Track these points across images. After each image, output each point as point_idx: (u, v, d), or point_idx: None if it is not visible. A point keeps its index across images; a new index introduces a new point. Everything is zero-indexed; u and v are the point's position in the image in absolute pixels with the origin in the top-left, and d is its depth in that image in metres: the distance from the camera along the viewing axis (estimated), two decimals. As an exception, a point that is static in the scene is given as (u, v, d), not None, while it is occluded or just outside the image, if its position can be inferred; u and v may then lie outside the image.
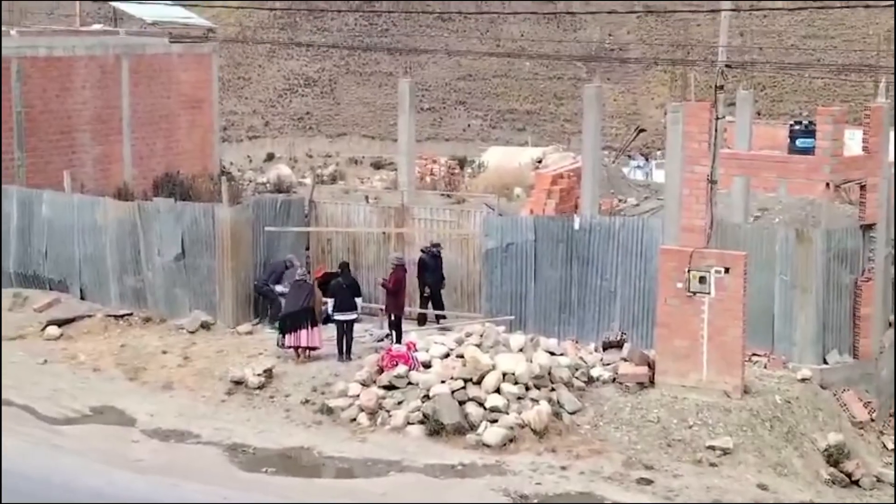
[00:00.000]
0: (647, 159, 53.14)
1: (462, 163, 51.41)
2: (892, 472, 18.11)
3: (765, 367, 20.19)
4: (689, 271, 18.62)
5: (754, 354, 20.44)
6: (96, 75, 34.49)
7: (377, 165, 63.62)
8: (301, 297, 21.27)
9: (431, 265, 23.43)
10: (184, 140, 37.79)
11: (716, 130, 19.27)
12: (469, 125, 74.62)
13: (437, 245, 23.60)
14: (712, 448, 17.14)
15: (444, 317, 23.43)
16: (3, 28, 34.72)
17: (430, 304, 23.70)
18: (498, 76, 76.90)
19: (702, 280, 18.55)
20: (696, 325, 18.63)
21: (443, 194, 38.52)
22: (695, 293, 18.62)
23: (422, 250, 23.68)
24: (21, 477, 15.86)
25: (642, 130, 55.20)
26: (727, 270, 18.45)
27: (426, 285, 23.49)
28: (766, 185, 31.62)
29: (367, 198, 34.72)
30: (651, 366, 19.24)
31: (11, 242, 25.49)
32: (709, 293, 18.53)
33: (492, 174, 45.25)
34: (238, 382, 19.95)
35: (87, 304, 24.41)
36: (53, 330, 22.91)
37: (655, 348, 19.42)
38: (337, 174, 53.68)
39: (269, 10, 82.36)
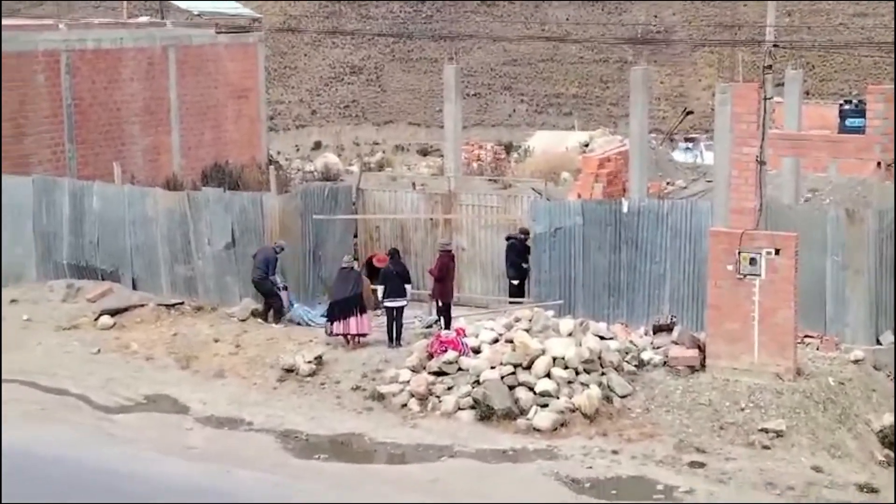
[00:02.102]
0: (694, 142, 52.76)
1: (508, 148, 51.31)
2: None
3: (817, 349, 20.00)
4: (739, 253, 18.49)
5: (806, 336, 20.25)
6: (144, 67, 34.78)
7: (424, 152, 63.65)
8: (349, 285, 21.33)
9: (520, 251, 23.32)
10: (231, 130, 38.04)
11: (764, 111, 19.08)
12: (515, 110, 74.38)
13: (526, 231, 23.41)
14: (765, 430, 17.03)
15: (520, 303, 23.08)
16: (49, 22, 35.00)
17: (522, 290, 23.41)
18: (543, 60, 76.57)
19: (752, 262, 18.41)
20: (747, 308, 18.49)
21: (489, 180, 38.37)
22: (745, 275, 18.48)
23: (507, 237, 23.57)
24: (76, 465, 16.07)
25: (690, 112, 54.80)
26: (778, 252, 18.29)
27: (514, 269, 23.32)
28: (816, 165, 31.29)
29: (413, 184, 34.67)
30: (702, 349, 19.13)
31: (64, 234, 25.75)
32: (759, 275, 18.38)
33: (538, 159, 45.09)
34: (289, 370, 20.06)
35: (139, 293, 24.61)
36: (106, 319, 23.14)
37: (706, 331, 19.31)
38: (384, 161, 53.76)
39: (314, 0, 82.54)
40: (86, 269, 25.54)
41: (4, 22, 31.64)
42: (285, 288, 23.04)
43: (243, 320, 22.74)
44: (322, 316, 22.28)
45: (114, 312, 23.42)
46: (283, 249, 23.05)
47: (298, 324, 22.71)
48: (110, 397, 19.42)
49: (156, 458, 16.51)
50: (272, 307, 22.87)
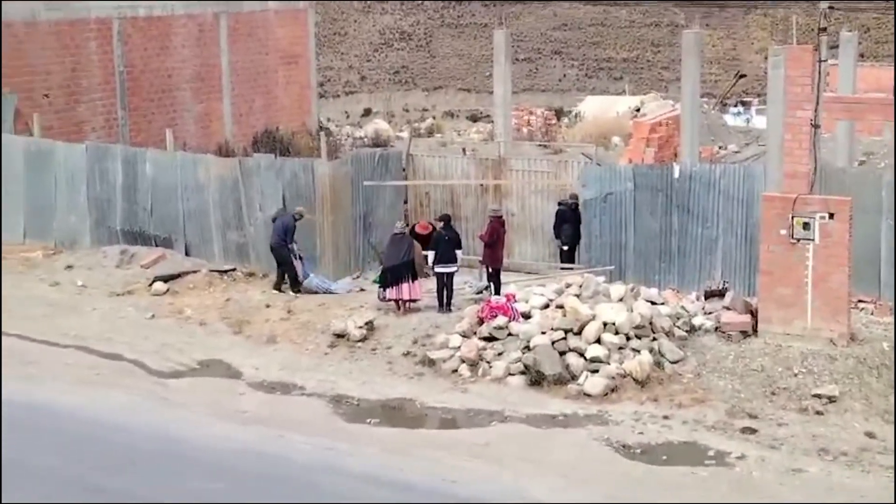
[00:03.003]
0: (747, 106, 52.27)
1: (559, 113, 51.14)
2: None
3: (871, 314, 19.83)
4: (792, 218, 18.32)
5: (860, 301, 20.08)
6: (195, 34, 34.95)
7: (473, 118, 63.57)
8: (401, 251, 21.38)
9: (570, 218, 23.27)
10: (282, 96, 38.18)
11: (819, 74, 18.87)
12: (565, 75, 74.04)
13: (574, 196, 23.32)
14: (818, 396, 16.91)
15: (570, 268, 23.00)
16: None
17: (573, 256, 23.36)
18: (594, 25, 76.09)
19: (806, 226, 18.24)
20: (800, 273, 18.34)
21: (540, 145, 38.36)
22: (798, 240, 18.32)
23: (559, 203, 23.52)
24: (131, 430, 16.25)
25: (742, 76, 54.30)
26: (832, 216, 18.11)
27: (563, 238, 23.32)
28: (870, 128, 30.95)
29: (464, 150, 34.71)
30: (754, 314, 19.01)
31: (117, 200, 25.99)
32: (813, 239, 18.22)
33: (589, 124, 44.92)
34: (340, 335, 20.16)
35: (191, 259, 24.81)
36: (160, 285, 23.36)
37: (758, 296, 19.18)
38: (433, 127, 53.75)
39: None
40: (139, 235, 25.78)
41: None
42: (300, 258, 22.96)
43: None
44: (333, 286, 22.39)
45: (167, 278, 23.64)
46: (301, 217, 22.96)
47: (315, 293, 22.66)
48: (164, 362, 19.62)
49: (209, 423, 16.67)
50: (286, 275, 22.82)
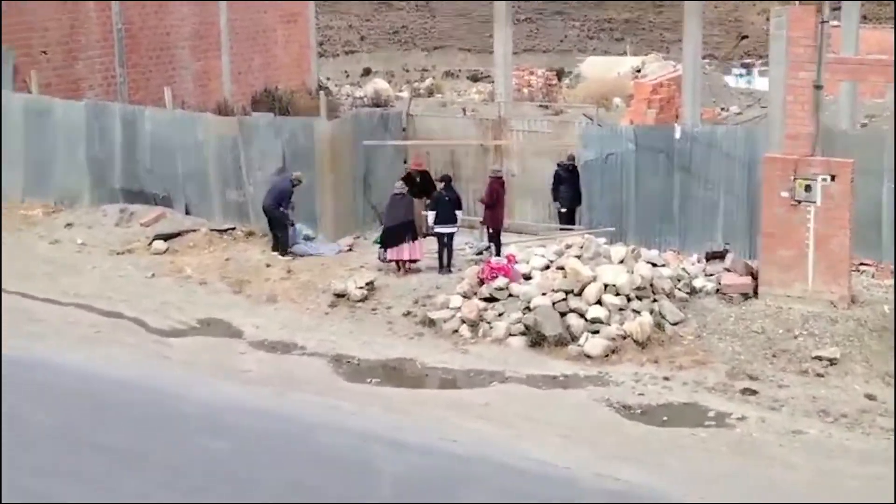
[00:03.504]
0: (748, 67, 52.08)
1: (560, 74, 50.93)
2: None
3: (872, 277, 19.83)
4: (794, 179, 18.30)
5: (861, 264, 20.08)
6: (194, -9, 34.70)
7: (474, 78, 63.29)
8: (401, 211, 21.35)
9: (567, 179, 23.19)
10: (281, 55, 38.00)
11: (821, 35, 18.75)
12: (566, 36, 73.70)
13: (572, 158, 23.23)
14: (818, 358, 16.94)
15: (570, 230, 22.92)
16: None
17: (572, 218, 23.32)
18: (595, -15, 75.65)
19: (807, 188, 18.22)
20: (801, 235, 18.34)
21: (540, 106, 38.25)
22: (800, 202, 18.30)
23: (557, 164, 23.44)
24: (133, 388, 16.28)
25: (744, 37, 54.09)
26: (833, 178, 18.09)
27: (560, 200, 23.29)
28: (873, 90, 30.82)
29: (464, 110, 34.62)
30: (755, 276, 19.02)
31: (117, 159, 25.90)
32: (815, 202, 18.20)
33: (590, 85, 44.78)
34: (340, 295, 20.16)
35: (191, 218, 24.77)
36: (160, 244, 23.34)
37: (759, 258, 19.18)
38: (434, 88, 53.54)
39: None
40: (139, 194, 25.69)
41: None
42: (293, 224, 22.82)
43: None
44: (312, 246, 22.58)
45: (167, 237, 23.61)
46: (300, 182, 22.84)
47: (301, 256, 22.56)
48: (165, 321, 19.62)
49: (211, 381, 16.70)
50: (277, 238, 22.71)
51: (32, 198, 26.86)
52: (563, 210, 23.42)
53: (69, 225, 24.62)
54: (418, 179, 23.40)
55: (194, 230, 23.98)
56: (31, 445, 14.26)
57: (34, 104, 27.12)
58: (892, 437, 14.66)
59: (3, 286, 20.78)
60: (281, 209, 22.56)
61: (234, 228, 24.18)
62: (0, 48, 28.45)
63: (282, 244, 22.58)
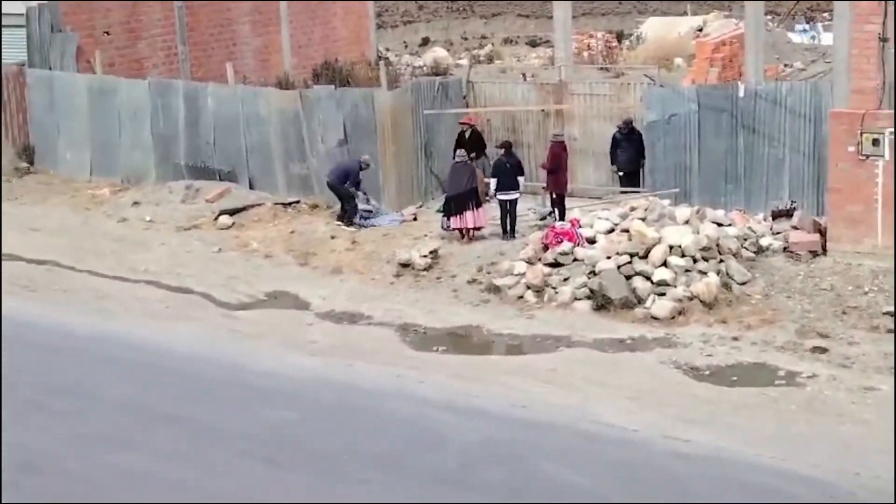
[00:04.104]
0: (812, 22, 51.22)
1: (620, 36, 50.42)
2: None
3: (944, 231, 19.49)
4: (861, 134, 18.03)
5: (933, 217, 19.73)
6: (252, -34, 34.78)
7: (533, 44, 62.84)
8: (463, 179, 21.33)
9: (623, 143, 23.03)
10: (340, 27, 38.00)
11: (887, -15, 18.40)
12: (625, -3, 72.88)
13: (628, 121, 23.03)
14: (889, 314, 16.71)
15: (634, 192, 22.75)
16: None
17: (633, 181, 23.16)
18: (653, -56, 74.73)
19: (875, 143, 17.93)
20: (869, 190, 18.08)
21: (601, 69, 37.92)
22: (868, 156, 18.04)
23: (616, 128, 23.28)
24: (202, 361, 16.48)
25: (807, -8, 53.09)
26: (902, 132, 17.79)
27: (617, 164, 23.18)
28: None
29: (524, 76, 34.43)
30: (823, 233, 18.80)
31: (181, 136, 26.13)
32: (883, 156, 17.93)
33: (651, 46, 44.27)
34: (405, 265, 20.21)
35: (255, 193, 24.93)
36: (225, 219, 23.52)
37: (827, 215, 18.94)
38: (493, 54, 53.26)
39: None
40: (203, 169, 25.91)
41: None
42: (365, 201, 22.97)
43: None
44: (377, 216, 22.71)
45: (232, 212, 23.79)
46: (368, 167, 22.93)
47: (363, 226, 22.66)
48: (232, 294, 19.81)
49: (279, 353, 16.84)
50: (346, 209, 22.79)
51: (99, 177, 27.22)
52: (621, 174, 23.26)
53: (136, 203, 24.89)
54: (467, 136, 23.42)
55: (259, 204, 24.14)
56: (105, 418, 14.51)
57: (98, 84, 27.42)
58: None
59: (73, 266, 21.14)
60: (346, 185, 22.64)
61: (298, 201, 24.31)
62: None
63: (349, 215, 22.67)
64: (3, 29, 29.22)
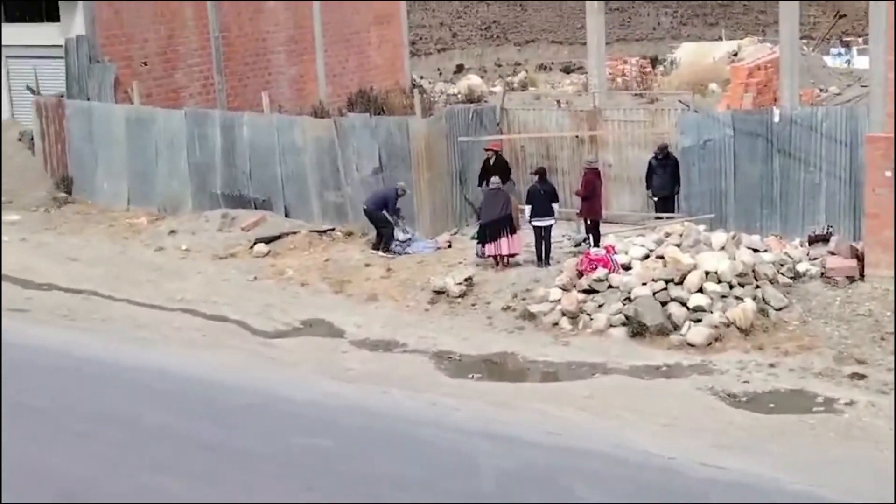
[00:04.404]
0: (847, 46, 51.04)
1: (653, 62, 50.43)
2: None
3: (982, 256, 19.31)
4: (897, 159, 17.91)
5: (971, 242, 19.56)
6: (288, -4, 35.10)
7: (567, 70, 62.95)
8: (498, 206, 21.34)
9: (658, 169, 23.01)
10: (374, 56, 38.25)
11: (923, 9, 18.33)
12: (659, 23, 72.95)
13: (663, 147, 23.00)
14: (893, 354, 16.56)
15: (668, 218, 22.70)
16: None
17: (668, 206, 23.12)
18: (687, -30, 74.74)
19: (912, 167, 17.82)
20: (907, 215, 17.93)
21: (635, 94, 37.94)
22: (905, 181, 17.91)
23: (653, 153, 23.26)
24: (240, 390, 16.53)
25: (842, 16, 52.99)
26: (939, 156, 17.67)
27: (652, 190, 23.16)
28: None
29: (558, 102, 34.48)
30: (860, 258, 18.67)
31: (217, 165, 26.33)
32: (920, 180, 17.80)
33: (685, 71, 44.26)
34: (440, 292, 20.23)
35: (291, 221, 25.06)
36: (261, 247, 23.65)
37: (864, 240, 18.82)
38: (527, 81, 53.38)
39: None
40: (239, 198, 26.09)
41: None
42: (397, 226, 22.97)
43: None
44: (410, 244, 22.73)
45: (268, 240, 23.91)
46: (404, 193, 23.04)
47: (399, 253, 22.68)
48: (268, 322, 19.88)
49: (315, 381, 16.87)
50: (383, 236, 22.82)
51: (137, 206, 27.46)
52: (656, 199, 23.23)
53: (173, 232, 25.07)
54: (492, 162, 23.50)
55: (294, 232, 24.26)
56: (145, 445, 14.58)
57: (136, 114, 27.70)
58: None
59: (111, 295, 21.31)
60: (383, 212, 22.73)
61: (333, 229, 24.42)
62: None
63: (385, 242, 22.73)
64: (43, 60, 29.62)
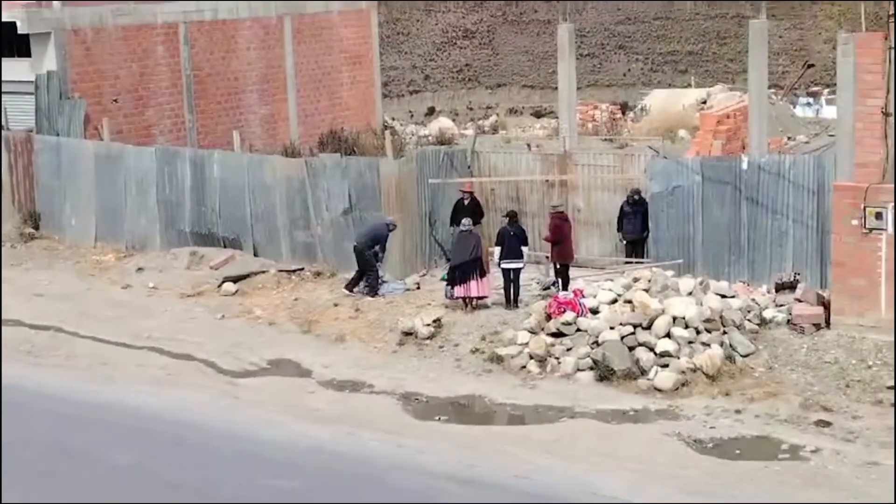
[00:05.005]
0: (815, 96, 51.61)
1: (624, 108, 50.79)
2: None
3: (947, 305, 19.46)
4: (864, 208, 18.07)
5: (936, 292, 19.73)
6: (260, 36, 35.20)
7: (538, 114, 63.30)
8: (469, 248, 21.35)
9: (629, 213, 23.12)
10: (346, 97, 38.32)
11: (890, 61, 18.55)
12: (629, 69, 73.53)
13: (636, 192, 23.12)
14: (893, 388, 16.64)
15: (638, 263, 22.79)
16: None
17: (638, 250, 23.21)
18: (658, 18, 75.48)
19: (878, 216, 17.98)
20: (873, 263, 18.08)
21: (605, 139, 38.18)
22: (871, 230, 18.06)
23: (626, 196, 23.38)
24: (206, 429, 16.42)
25: (810, 66, 53.59)
26: (905, 205, 17.83)
27: (622, 233, 23.26)
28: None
29: (529, 146, 34.62)
30: (826, 306, 18.77)
31: (186, 202, 26.25)
32: (886, 229, 17.95)
33: (655, 117, 44.58)
34: (408, 333, 20.19)
35: (260, 260, 24.98)
36: (229, 286, 23.56)
37: (831, 288, 18.94)
38: (498, 124, 53.64)
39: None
40: (208, 236, 26.01)
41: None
42: (378, 262, 22.83)
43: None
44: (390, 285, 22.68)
45: (236, 279, 23.83)
46: (395, 227, 23.04)
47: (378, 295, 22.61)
48: (235, 362, 19.78)
49: (282, 421, 16.78)
50: (367, 280, 22.64)
51: (104, 243, 27.30)
52: (626, 243, 23.35)
53: (140, 269, 24.95)
54: (466, 203, 23.55)
55: (263, 271, 24.19)
56: (110, 484, 14.42)
57: (105, 151, 27.61)
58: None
59: (76, 332, 21.16)
60: (374, 250, 22.66)
61: (302, 269, 24.36)
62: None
63: (370, 285, 22.61)
64: (13, 95, 29.52)
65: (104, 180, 27.37)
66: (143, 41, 31.77)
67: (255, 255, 25.37)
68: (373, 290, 22.52)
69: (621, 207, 23.32)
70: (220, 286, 23.65)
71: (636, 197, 23.05)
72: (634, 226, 23.08)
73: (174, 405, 17.48)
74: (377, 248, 22.70)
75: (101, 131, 28.67)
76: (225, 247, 25.61)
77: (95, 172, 27.47)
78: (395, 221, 23.09)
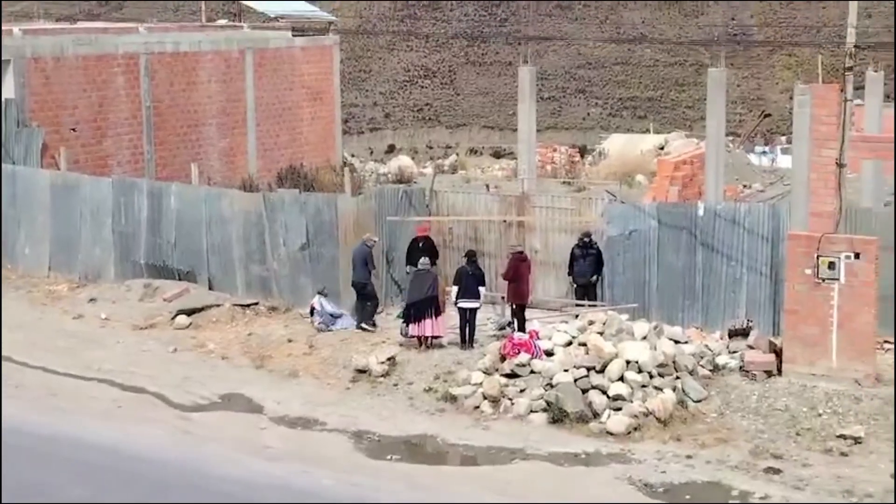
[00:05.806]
0: (771, 145, 52.26)
1: (582, 151, 51.21)
2: None
3: (897, 355, 19.68)
4: (818, 257, 18.26)
5: (886, 342, 19.94)
6: (221, 69, 35.22)
7: (497, 155, 63.69)
8: (425, 286, 21.35)
9: (579, 256, 23.13)
10: (306, 132, 38.39)
11: (844, 113, 18.83)
12: (589, 114, 74.20)
13: (586, 234, 23.17)
14: (843, 437, 16.77)
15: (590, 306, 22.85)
16: (129, 25, 35.49)
17: (587, 296, 23.26)
18: (618, 64, 76.30)
19: (831, 266, 18.17)
20: (825, 312, 18.25)
21: (563, 182, 38.42)
22: (824, 279, 18.24)
23: (577, 239, 23.42)
24: (157, 464, 16.25)
25: (767, 115, 54.33)
26: (857, 256, 18.05)
27: (573, 276, 23.27)
28: (897, 168, 30.73)
29: (487, 186, 34.77)
30: (778, 353, 18.91)
31: (142, 234, 26.10)
32: (839, 279, 18.14)
33: (613, 162, 44.96)
34: (362, 371, 20.12)
35: (214, 293, 24.85)
36: (183, 319, 23.40)
37: (783, 335, 19.08)
38: (457, 164, 53.87)
39: (390, 1, 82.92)
40: (163, 268, 25.86)
41: (86, 25, 32.09)
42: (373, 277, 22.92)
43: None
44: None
45: (190, 312, 23.68)
46: (374, 243, 23.07)
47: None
48: (187, 396, 19.61)
49: (234, 457, 16.64)
50: (370, 311, 22.66)
51: (58, 273, 27.08)
52: (576, 286, 23.39)
53: (93, 300, 24.75)
54: (420, 245, 23.58)
55: (217, 305, 24.05)
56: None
57: (62, 180, 27.44)
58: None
59: (25, 362, 20.92)
60: (371, 282, 22.67)
61: (256, 303, 24.25)
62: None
63: (367, 314, 22.57)
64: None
65: (59, 210, 27.19)
66: (104, 71, 31.71)
67: (210, 288, 25.24)
68: (370, 319, 22.53)
69: (572, 251, 23.34)
70: (173, 319, 23.48)
71: (586, 239, 23.09)
72: (584, 269, 23.03)
73: (126, 439, 17.27)
74: (370, 266, 22.69)
75: (59, 160, 28.51)
76: (179, 279, 25.45)
77: (51, 202, 27.29)
78: (373, 236, 23.11)
